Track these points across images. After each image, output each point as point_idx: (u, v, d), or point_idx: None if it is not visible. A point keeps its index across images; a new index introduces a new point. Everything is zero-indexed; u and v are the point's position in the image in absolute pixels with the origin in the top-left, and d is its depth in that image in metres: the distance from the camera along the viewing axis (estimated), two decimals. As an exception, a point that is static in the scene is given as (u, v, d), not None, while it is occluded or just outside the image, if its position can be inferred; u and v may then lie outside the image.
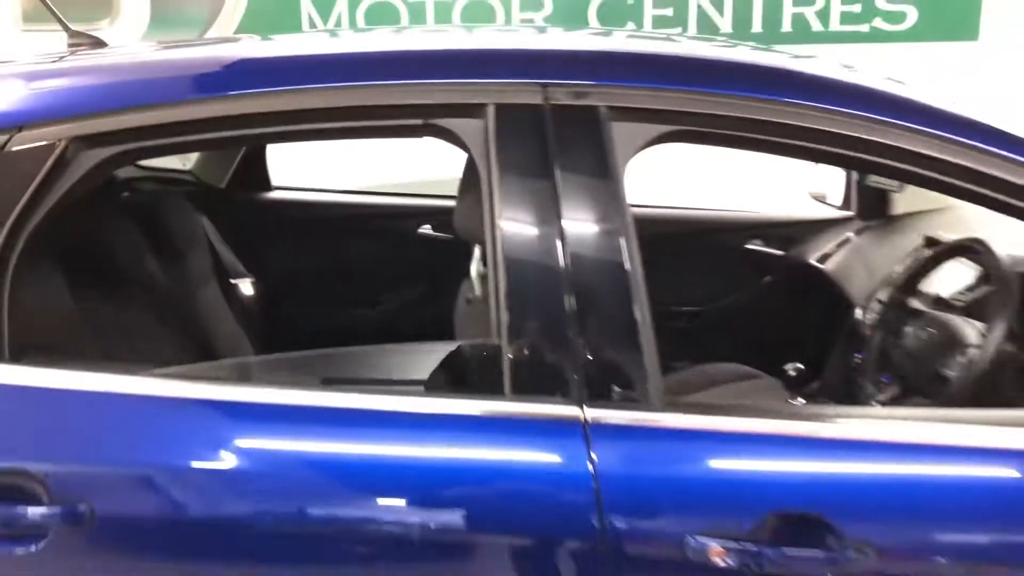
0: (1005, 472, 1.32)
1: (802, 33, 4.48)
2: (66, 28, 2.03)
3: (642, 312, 1.32)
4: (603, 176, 1.36)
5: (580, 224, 1.35)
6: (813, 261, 2.78)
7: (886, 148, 1.39)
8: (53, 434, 1.30)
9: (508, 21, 4.50)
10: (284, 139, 1.55)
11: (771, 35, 4.44)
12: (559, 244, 1.34)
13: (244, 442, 1.31)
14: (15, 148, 1.37)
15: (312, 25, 4.45)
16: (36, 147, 1.37)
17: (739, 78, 1.47)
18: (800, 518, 1.25)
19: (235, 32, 4.41)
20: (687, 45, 2.02)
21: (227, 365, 1.85)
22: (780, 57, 1.73)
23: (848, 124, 1.38)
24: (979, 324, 1.78)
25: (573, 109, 1.38)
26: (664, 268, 1.79)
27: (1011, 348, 1.66)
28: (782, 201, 3.07)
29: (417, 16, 4.47)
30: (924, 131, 1.38)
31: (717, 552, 1.24)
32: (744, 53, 1.84)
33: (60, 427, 1.31)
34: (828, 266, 2.71)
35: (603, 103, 1.38)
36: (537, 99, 1.37)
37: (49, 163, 1.37)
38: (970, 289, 1.98)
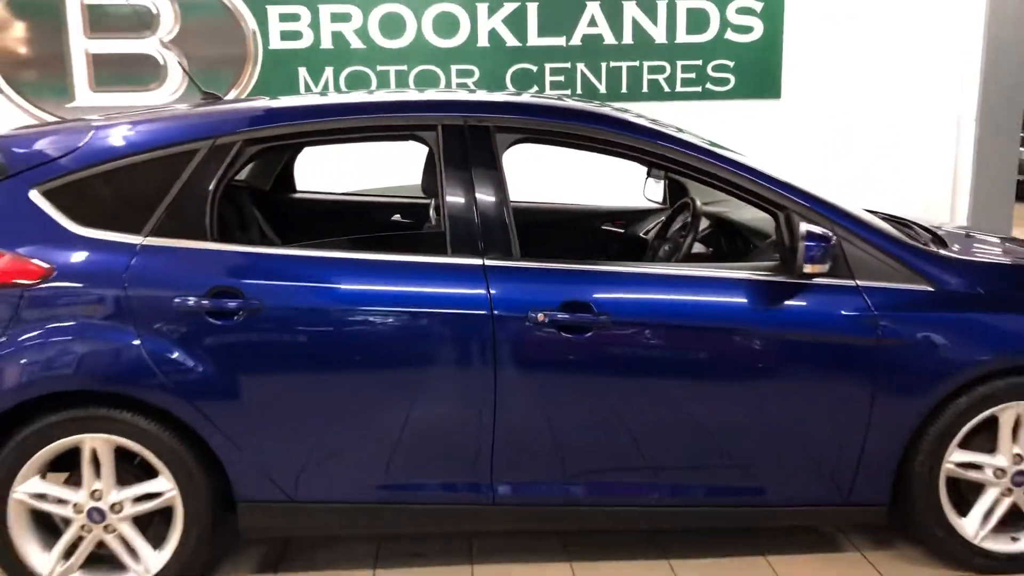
0: (677, 288, 2.88)
1: (656, 94, 5.66)
2: (199, 88, 3.52)
3: (509, 220, 2.85)
4: (492, 158, 2.90)
5: (480, 179, 2.89)
6: (641, 234, 4.36)
7: (621, 146, 2.96)
8: (237, 268, 2.78)
9: (449, 85, 5.66)
10: (344, 142, 3.06)
11: (634, 95, 5.61)
12: (470, 189, 2.88)
13: (324, 273, 2.80)
14: (216, 146, 2.88)
15: (308, 88, 5.53)
16: (225, 145, 2.88)
17: (550, 113, 3.05)
18: (577, 303, 2.79)
19: (249, 93, 5.60)
20: (550, 100, 3.61)
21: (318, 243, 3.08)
22: (583, 103, 3.31)
23: (601, 133, 2.96)
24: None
25: (477, 127, 2.92)
26: (552, 241, 3.28)
27: (701, 248, 3.27)
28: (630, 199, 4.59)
29: (383, 81, 5.58)
30: (627, 135, 2.95)
31: (541, 318, 2.77)
32: (570, 103, 3.37)
33: (240, 266, 2.79)
34: (649, 236, 4.29)
35: (491, 124, 2.93)
36: (460, 122, 2.93)
37: (232, 153, 2.86)
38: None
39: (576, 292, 2.81)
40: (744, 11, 5.72)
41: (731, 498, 2.98)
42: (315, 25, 5.59)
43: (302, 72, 5.62)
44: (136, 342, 2.71)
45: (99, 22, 5.51)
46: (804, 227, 2.75)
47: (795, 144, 5.78)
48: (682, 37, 5.75)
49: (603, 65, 5.73)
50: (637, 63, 5.74)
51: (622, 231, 4.38)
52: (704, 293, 2.87)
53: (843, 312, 2.84)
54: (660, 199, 4.41)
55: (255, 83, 5.60)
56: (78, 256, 2.74)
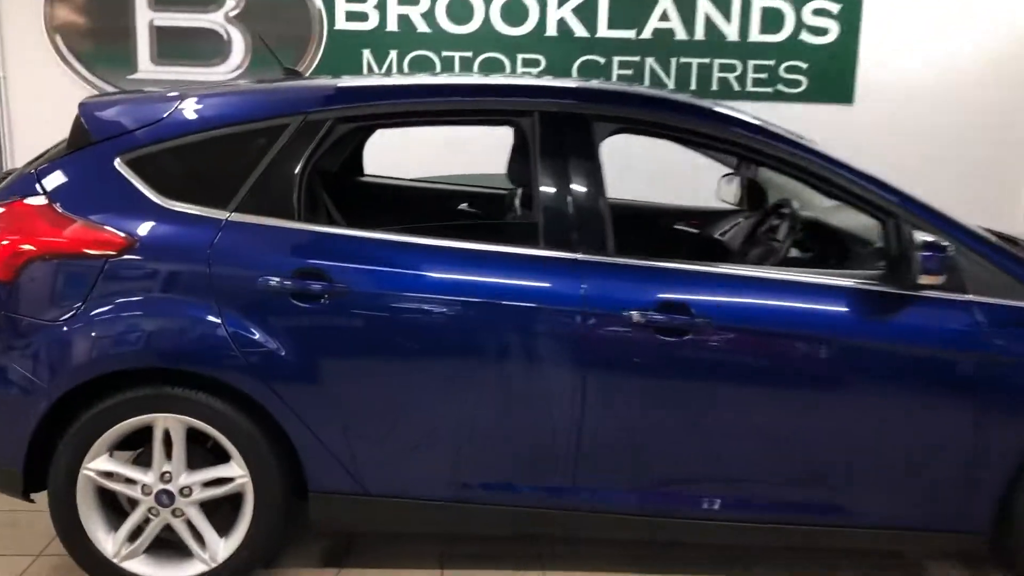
0: (774, 293, 2.74)
1: (725, 92, 5.48)
2: (281, 65, 3.42)
3: (606, 214, 2.73)
4: (589, 146, 2.78)
5: (578, 166, 2.75)
6: (716, 236, 4.22)
7: (729, 143, 2.84)
8: (325, 249, 2.67)
9: (515, 72, 5.53)
10: (435, 124, 2.95)
11: (703, 92, 5.42)
12: (566, 179, 2.75)
13: (414, 260, 2.68)
14: (307, 122, 2.77)
15: (371, 70, 5.44)
16: (317, 121, 2.77)
17: (659, 105, 2.93)
18: (675, 303, 2.66)
19: (311, 73, 5.59)
20: (636, 89, 3.48)
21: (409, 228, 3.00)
22: (688, 97, 3.18)
23: (712, 130, 2.84)
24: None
25: (574, 116, 2.79)
26: (630, 239, 3.19)
27: (798, 253, 3.13)
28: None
29: (447, 67, 5.47)
30: (741, 133, 2.83)
31: (637, 319, 2.64)
32: (676, 96, 3.25)
33: (327, 247, 2.68)
34: (725, 237, 4.15)
35: (588, 112, 2.80)
36: (555, 109, 2.80)
37: (323, 130, 2.76)
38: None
39: (674, 293, 2.68)
40: (820, 12, 5.54)
41: (839, 518, 2.83)
42: (382, 7, 5.51)
43: (366, 54, 5.54)
44: (217, 320, 2.61)
45: (164, -6, 5.44)
46: (920, 236, 2.61)
47: (865, 153, 5.53)
48: (755, 36, 5.60)
49: (673, 61, 5.61)
50: (708, 60, 5.61)
51: (696, 231, 4.24)
52: (809, 300, 2.74)
53: (953, 327, 2.70)
54: (734, 200, 4.27)
55: (317, 63, 5.50)
56: (161, 229, 2.64)
